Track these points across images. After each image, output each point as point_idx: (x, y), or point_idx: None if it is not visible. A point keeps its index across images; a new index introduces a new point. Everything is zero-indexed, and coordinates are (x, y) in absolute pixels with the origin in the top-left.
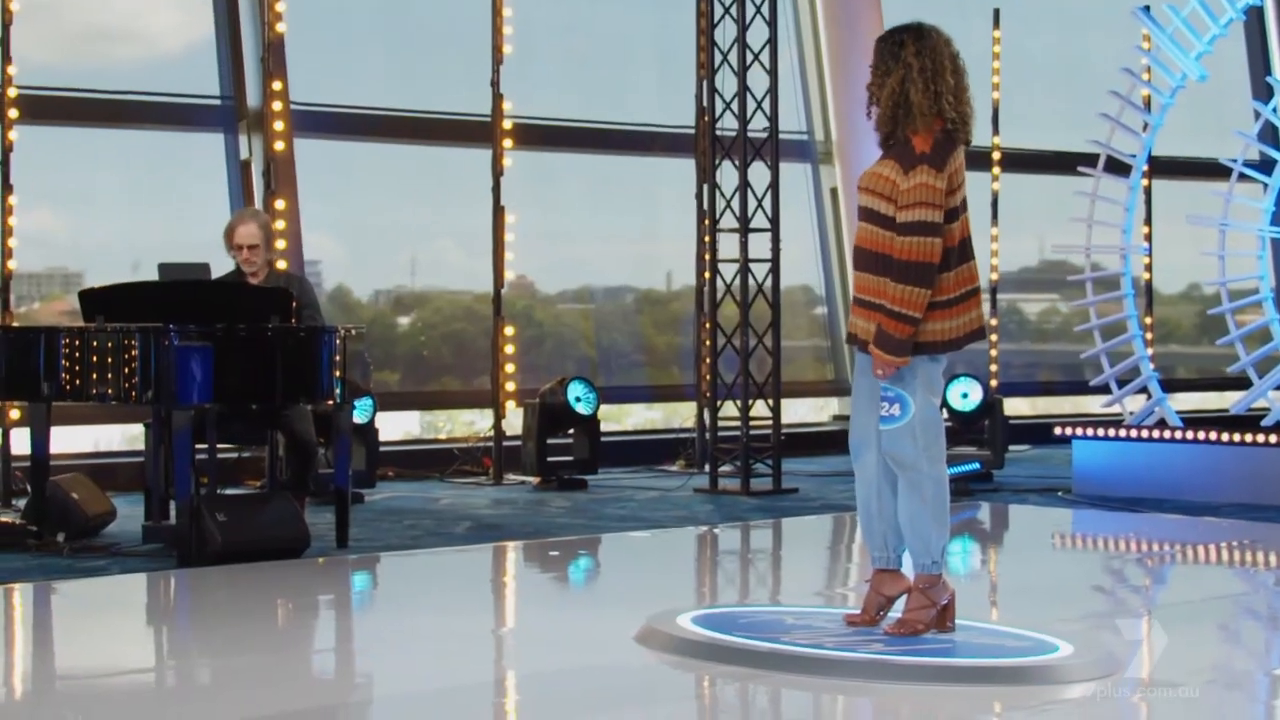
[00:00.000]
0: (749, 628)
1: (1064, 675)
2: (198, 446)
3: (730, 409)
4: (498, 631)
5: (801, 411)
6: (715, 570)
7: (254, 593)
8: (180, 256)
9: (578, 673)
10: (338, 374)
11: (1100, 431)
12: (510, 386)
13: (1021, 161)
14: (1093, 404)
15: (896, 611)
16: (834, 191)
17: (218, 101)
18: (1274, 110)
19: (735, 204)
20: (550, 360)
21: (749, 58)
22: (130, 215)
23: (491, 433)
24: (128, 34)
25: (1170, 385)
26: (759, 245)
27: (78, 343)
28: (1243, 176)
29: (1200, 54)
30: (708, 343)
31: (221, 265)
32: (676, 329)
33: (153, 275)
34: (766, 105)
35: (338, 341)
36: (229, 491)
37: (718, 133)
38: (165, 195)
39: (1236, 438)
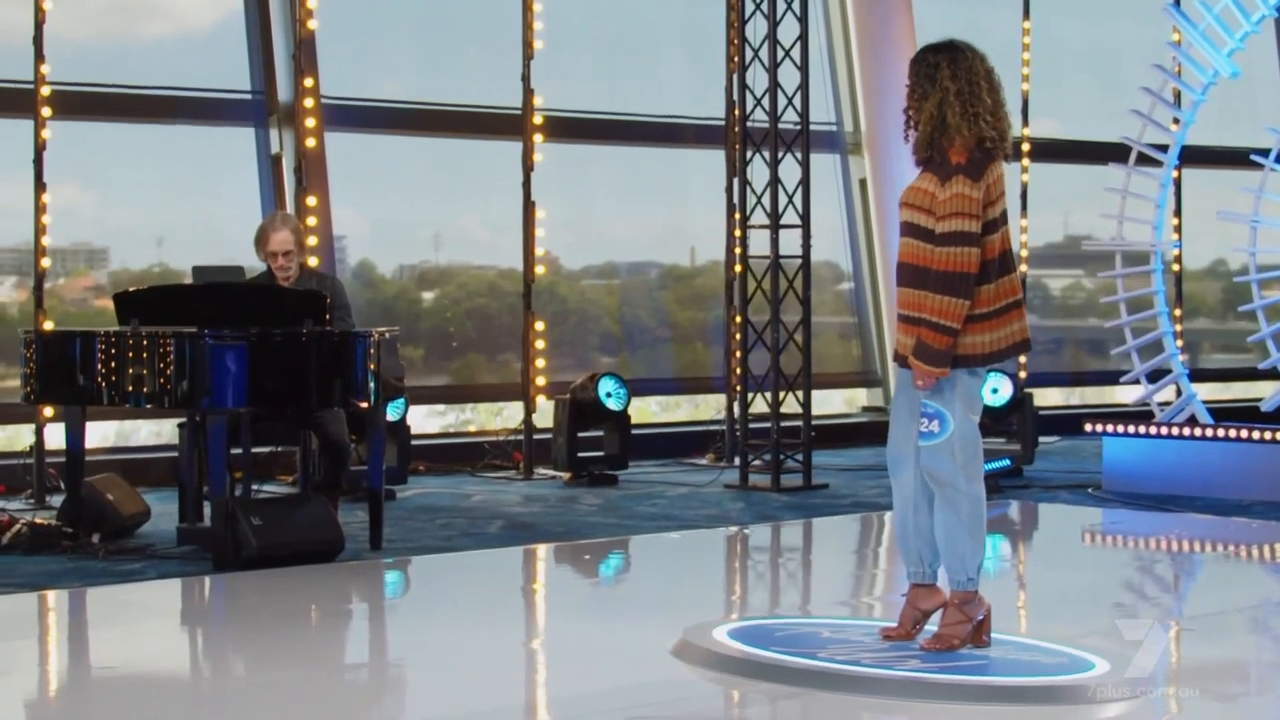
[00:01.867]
0: (786, 642)
1: (1099, 695)
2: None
3: (759, 403)
4: (531, 646)
5: (833, 403)
6: (748, 576)
7: (286, 602)
8: (207, 236)
9: (614, 693)
10: (371, 378)
11: (1130, 428)
12: (540, 381)
13: (1051, 151)
14: (1121, 392)
15: (933, 625)
16: (863, 183)
17: (249, 96)
18: None
19: (766, 200)
20: (575, 335)
21: (779, 54)
22: (158, 194)
23: (522, 426)
24: (155, 10)
25: (1198, 375)
26: (789, 241)
27: (114, 346)
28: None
29: (1232, 50)
30: (738, 336)
31: (252, 264)
32: (701, 305)
33: (177, 252)
34: (797, 101)
35: (371, 345)
36: (262, 488)
37: (749, 124)
38: (195, 185)
39: (1268, 436)
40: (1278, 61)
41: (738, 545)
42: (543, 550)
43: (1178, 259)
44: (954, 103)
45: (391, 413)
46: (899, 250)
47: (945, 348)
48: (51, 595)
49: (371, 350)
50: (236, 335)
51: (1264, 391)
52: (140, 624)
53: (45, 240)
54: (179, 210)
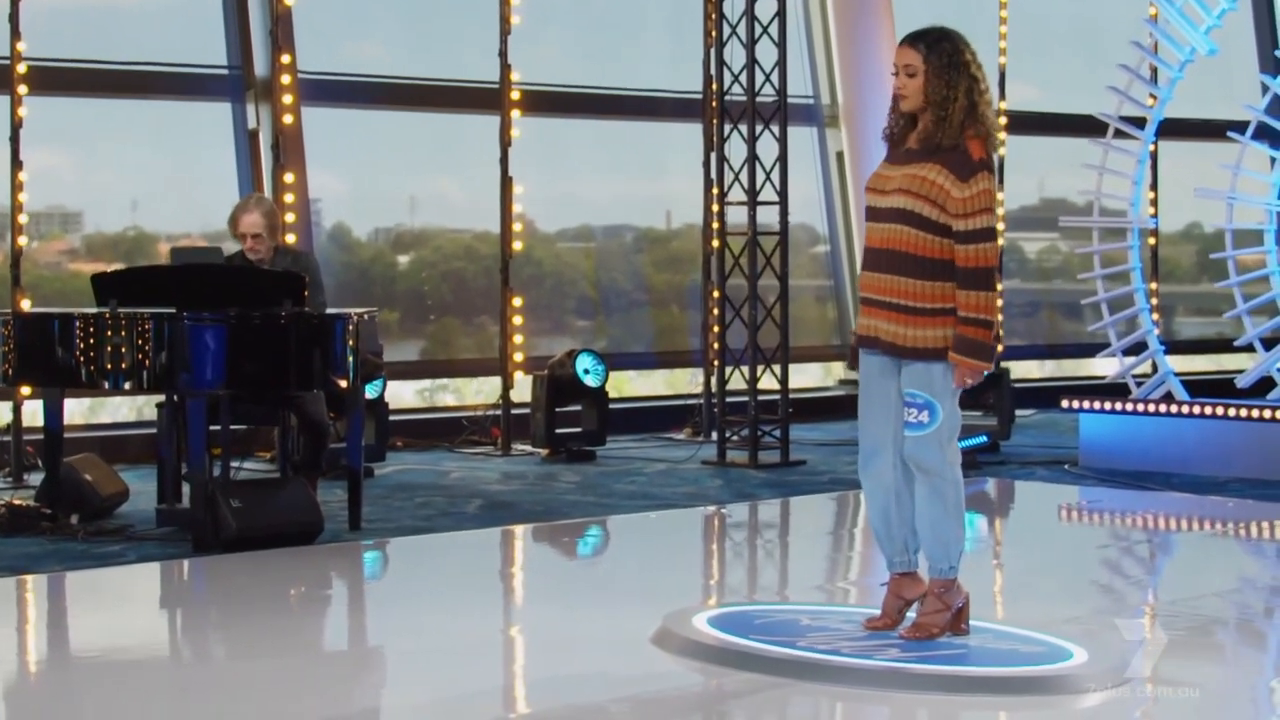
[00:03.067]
0: (765, 630)
1: (1078, 685)
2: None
3: (737, 378)
4: (509, 632)
5: (810, 374)
6: (726, 559)
7: (263, 587)
8: (182, 200)
9: (593, 680)
10: (350, 359)
11: (1107, 405)
12: (519, 357)
13: (1029, 124)
14: (1098, 363)
15: (911, 613)
16: (840, 155)
17: (225, 71)
18: None
19: (744, 176)
20: (551, 299)
21: (757, 30)
22: (133, 158)
23: (500, 401)
24: None
25: (1174, 347)
26: (766, 216)
27: (92, 327)
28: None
29: (1209, 28)
30: (715, 311)
31: (230, 245)
32: (677, 268)
33: (153, 217)
34: (775, 78)
35: (350, 326)
36: (242, 464)
37: (726, 98)
38: (172, 157)
39: (1243, 413)
40: (1255, 39)
41: (716, 526)
42: (521, 531)
43: (1154, 234)
44: (985, 91)
45: (370, 391)
46: (879, 234)
47: (991, 341)
48: (30, 580)
49: (350, 331)
50: (215, 317)
51: (1239, 362)
52: (120, 609)
53: (21, 218)
54: (154, 174)
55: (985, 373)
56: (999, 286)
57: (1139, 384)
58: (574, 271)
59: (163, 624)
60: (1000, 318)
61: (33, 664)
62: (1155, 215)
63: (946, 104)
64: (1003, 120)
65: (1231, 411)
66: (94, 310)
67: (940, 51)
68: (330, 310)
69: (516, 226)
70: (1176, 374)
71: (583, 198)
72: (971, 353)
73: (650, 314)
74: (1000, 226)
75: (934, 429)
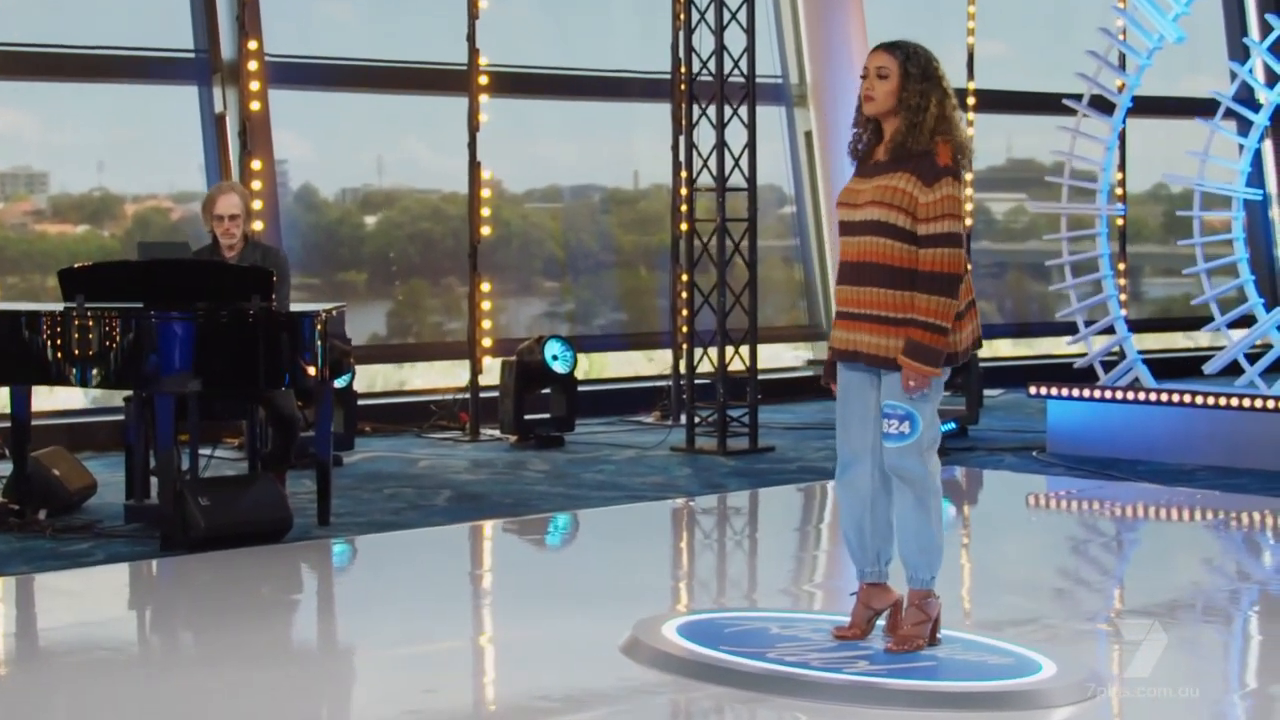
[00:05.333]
0: (735, 640)
1: (1047, 700)
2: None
3: (706, 364)
4: (478, 641)
5: (779, 358)
6: (696, 559)
7: (232, 587)
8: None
9: (561, 694)
10: (319, 356)
11: (1074, 392)
12: (487, 343)
13: (998, 102)
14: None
15: (883, 621)
16: (808, 135)
17: (191, 55)
18: (1250, 71)
19: (712, 163)
20: (518, 260)
21: (726, 17)
22: (99, 119)
23: (468, 387)
24: None
25: (1141, 326)
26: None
27: (59, 325)
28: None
29: (1178, 15)
30: (684, 295)
31: (197, 234)
32: (645, 228)
33: (121, 180)
34: (744, 64)
35: (317, 326)
36: (213, 452)
37: (695, 74)
38: (139, 141)
39: (1209, 400)
40: (1224, 25)
41: (684, 521)
42: (489, 528)
43: (1122, 219)
44: (955, 100)
45: (339, 383)
46: (855, 248)
47: (943, 347)
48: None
49: (319, 329)
50: (183, 314)
51: (1205, 340)
52: (87, 612)
53: None
54: (120, 137)
55: (935, 379)
56: (972, 294)
57: (1106, 370)
58: (541, 231)
59: (130, 628)
60: (979, 321)
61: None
62: (1124, 203)
63: (919, 111)
64: (971, 100)
65: (1199, 399)
66: (60, 309)
67: (916, 60)
68: (298, 307)
69: (485, 193)
70: (1141, 353)
71: (550, 158)
72: (922, 358)
73: (617, 275)
74: (961, 230)
75: (914, 439)
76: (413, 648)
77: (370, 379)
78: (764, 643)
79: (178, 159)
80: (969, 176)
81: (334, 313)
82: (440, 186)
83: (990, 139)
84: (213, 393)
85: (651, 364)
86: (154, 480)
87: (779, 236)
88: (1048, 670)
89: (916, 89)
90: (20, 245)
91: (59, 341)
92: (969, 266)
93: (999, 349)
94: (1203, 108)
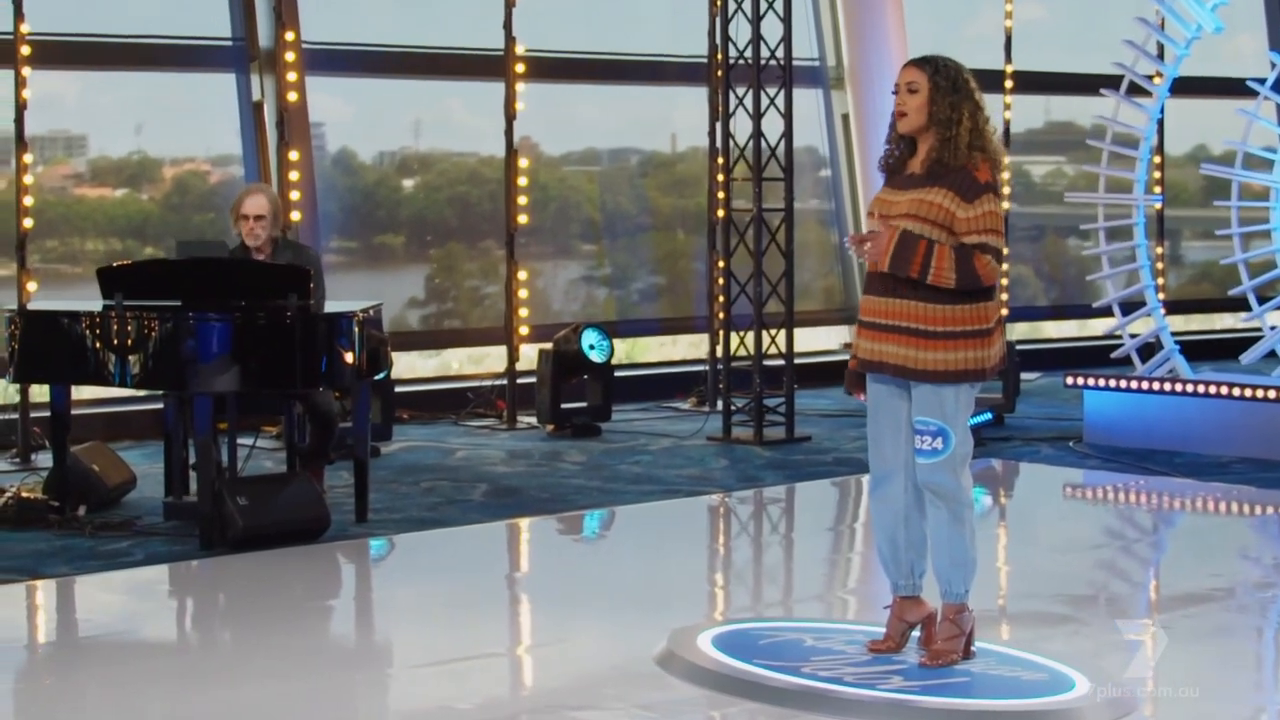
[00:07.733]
0: (769, 652)
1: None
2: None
3: (741, 348)
4: (513, 649)
5: (816, 339)
6: (731, 561)
7: (266, 593)
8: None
9: (595, 708)
10: (355, 356)
11: (1111, 382)
12: (524, 330)
13: (1037, 84)
14: (1100, 324)
15: (919, 632)
16: (845, 118)
17: (229, 43)
18: None
19: (749, 153)
20: (555, 224)
21: (763, 7)
22: (138, 81)
23: (505, 374)
24: None
25: (1176, 307)
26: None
27: (98, 326)
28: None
29: (1216, 5)
30: (720, 281)
31: (232, 238)
32: (682, 191)
33: (159, 143)
34: (780, 53)
35: (355, 326)
36: (255, 443)
37: (732, 63)
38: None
39: (1247, 392)
40: (1264, 15)
41: (720, 521)
42: (526, 526)
43: (1160, 214)
44: (988, 121)
45: (376, 377)
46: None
47: (917, 276)
48: (40, 586)
49: (356, 330)
50: (220, 316)
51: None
52: (126, 617)
53: (27, 200)
54: (158, 99)
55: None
56: (1001, 313)
57: (1143, 357)
58: (578, 195)
59: (170, 629)
60: (1005, 340)
61: (41, 667)
62: (1162, 193)
63: (951, 124)
64: (1009, 84)
65: (1236, 391)
66: (99, 310)
67: (945, 74)
68: (337, 307)
69: (522, 162)
70: (1177, 337)
71: (587, 120)
72: (901, 249)
73: (654, 238)
74: (1005, 250)
75: (947, 455)
76: (447, 652)
77: (409, 363)
78: (798, 656)
79: (216, 123)
80: (1007, 100)
81: (371, 312)
82: (478, 149)
83: (1028, 102)
84: (250, 392)
85: (689, 348)
86: (193, 475)
87: (814, 197)
88: (1081, 688)
89: (947, 101)
90: (59, 209)
91: (98, 342)
92: (1004, 280)
93: (1042, 330)
94: (1241, 88)
